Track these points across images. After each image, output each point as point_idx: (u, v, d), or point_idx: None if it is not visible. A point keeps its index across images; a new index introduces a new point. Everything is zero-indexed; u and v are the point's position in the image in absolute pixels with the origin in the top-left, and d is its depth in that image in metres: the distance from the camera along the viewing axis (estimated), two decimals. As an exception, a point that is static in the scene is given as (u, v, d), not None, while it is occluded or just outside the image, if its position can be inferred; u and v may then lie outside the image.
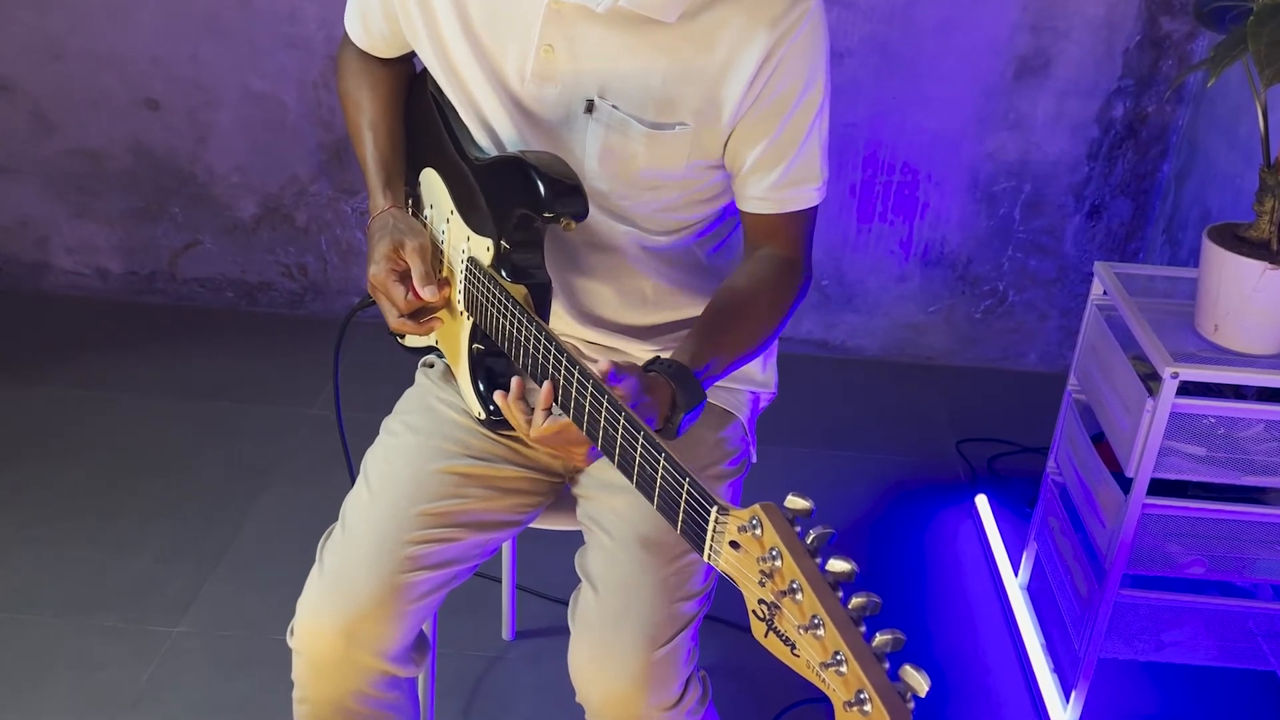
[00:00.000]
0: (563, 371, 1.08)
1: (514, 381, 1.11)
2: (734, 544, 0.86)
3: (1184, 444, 1.62)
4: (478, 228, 1.25)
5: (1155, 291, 1.82)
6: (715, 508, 0.89)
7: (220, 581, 2.03)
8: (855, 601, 0.77)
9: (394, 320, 1.28)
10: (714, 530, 0.89)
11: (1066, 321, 2.80)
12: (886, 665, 0.74)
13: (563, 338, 1.25)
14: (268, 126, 2.69)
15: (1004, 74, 2.54)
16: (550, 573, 2.02)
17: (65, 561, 2.05)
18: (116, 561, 2.06)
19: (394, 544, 1.24)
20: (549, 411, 1.08)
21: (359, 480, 1.32)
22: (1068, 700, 1.82)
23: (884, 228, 2.72)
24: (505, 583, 1.89)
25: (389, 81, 1.41)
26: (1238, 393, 1.65)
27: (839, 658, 0.75)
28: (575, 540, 1.34)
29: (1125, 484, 1.66)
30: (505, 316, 1.19)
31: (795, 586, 0.79)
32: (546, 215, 1.17)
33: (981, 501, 2.33)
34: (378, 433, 1.38)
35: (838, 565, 0.79)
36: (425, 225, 1.36)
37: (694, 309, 1.37)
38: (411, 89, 1.43)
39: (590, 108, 1.22)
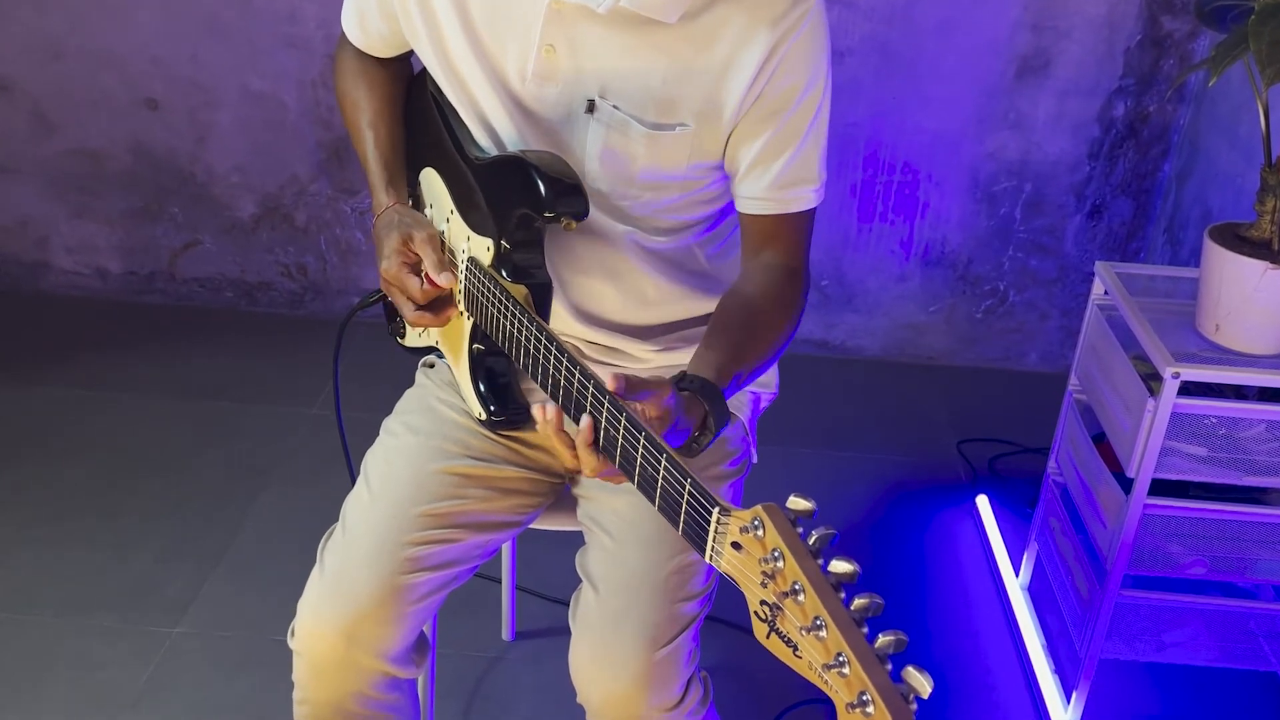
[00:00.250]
0: (563, 372, 1.07)
1: (553, 410, 1.05)
2: (736, 545, 0.86)
3: (1185, 444, 1.62)
4: (478, 227, 1.25)
5: (1156, 291, 1.82)
6: (717, 509, 0.88)
7: (220, 582, 2.03)
8: (858, 603, 0.76)
9: (410, 313, 1.27)
10: (715, 531, 0.89)
11: (1067, 321, 2.79)
12: (889, 666, 0.74)
13: (563, 338, 1.25)
14: (267, 126, 2.69)
15: (1004, 73, 2.53)
16: (550, 573, 2.02)
17: (65, 561, 2.05)
18: (116, 562, 2.06)
19: (394, 545, 1.24)
20: (593, 447, 1.02)
21: (359, 481, 1.32)
22: (1068, 701, 1.82)
23: (884, 227, 2.71)
24: (505, 583, 1.89)
25: (387, 81, 1.41)
26: (1239, 393, 1.65)
27: (841, 659, 0.74)
28: (575, 541, 1.34)
29: (1126, 484, 1.66)
30: (505, 316, 1.18)
31: (797, 588, 0.79)
32: (547, 215, 1.17)
33: (982, 502, 2.33)
34: (378, 433, 1.38)
35: (840, 566, 0.78)
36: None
37: (695, 309, 1.37)
38: (411, 88, 1.42)
39: (591, 108, 1.21)
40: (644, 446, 0.97)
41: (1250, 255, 1.57)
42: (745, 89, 1.19)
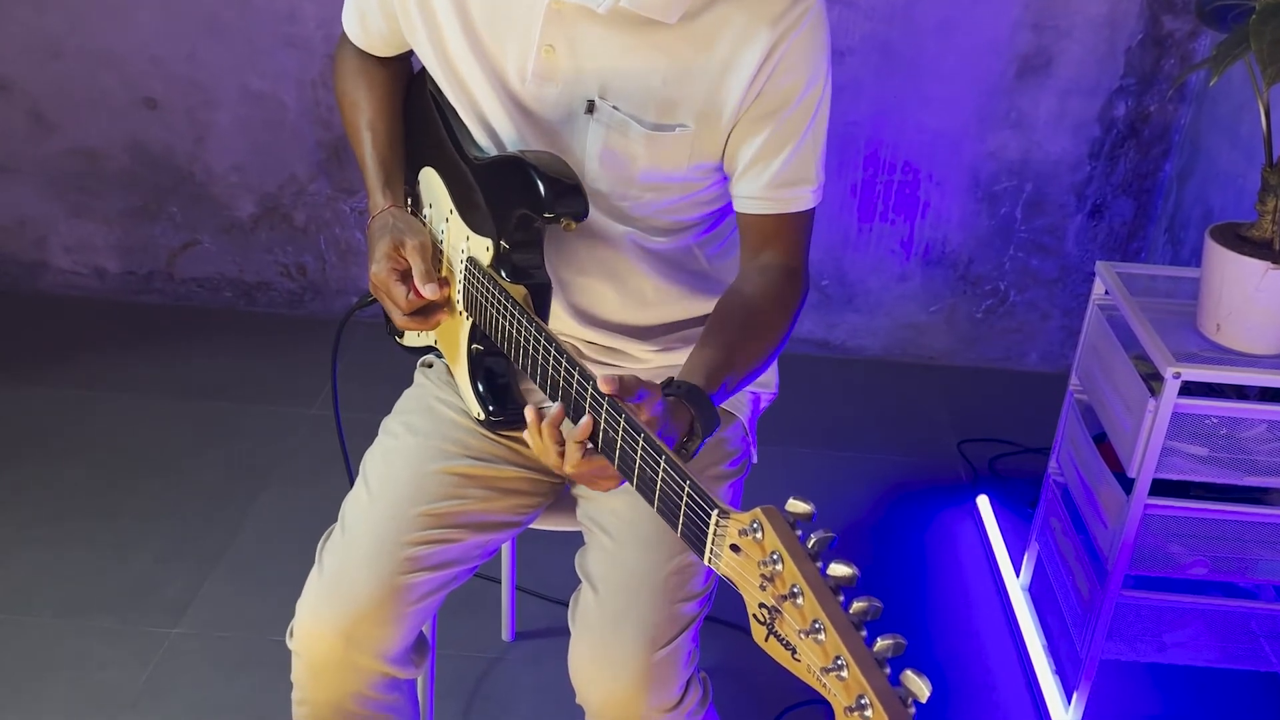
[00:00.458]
0: (562, 372, 1.07)
1: (554, 411, 1.06)
2: (735, 547, 0.86)
3: (1186, 444, 1.62)
4: (477, 227, 1.25)
5: (1157, 291, 1.82)
6: (716, 511, 0.88)
7: (219, 582, 2.03)
8: (856, 606, 0.76)
9: (399, 318, 1.28)
10: (714, 533, 0.88)
11: (1068, 321, 2.79)
12: (888, 670, 0.74)
13: (562, 338, 1.25)
14: (266, 126, 2.68)
15: (1005, 73, 2.53)
16: (550, 573, 2.01)
17: (64, 562, 2.05)
18: (115, 562, 2.06)
19: (393, 545, 1.24)
20: (583, 445, 1.03)
21: (358, 481, 1.32)
22: (1069, 701, 1.82)
23: (885, 227, 2.71)
24: (505, 584, 1.89)
25: (387, 81, 1.40)
26: (1240, 393, 1.65)
27: (840, 662, 0.74)
28: (575, 541, 1.34)
29: (1127, 484, 1.65)
30: (505, 317, 1.18)
31: (796, 590, 0.78)
32: (546, 215, 1.16)
33: (983, 502, 2.33)
34: (376, 433, 1.37)
35: (839, 569, 0.78)
36: (424, 224, 1.36)
37: (694, 309, 1.37)
38: (410, 88, 1.42)
39: (591, 108, 1.21)
40: (643, 448, 0.96)
41: (1251, 255, 1.57)
42: (745, 88, 1.18)
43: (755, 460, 1.46)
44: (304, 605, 1.24)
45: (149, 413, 2.48)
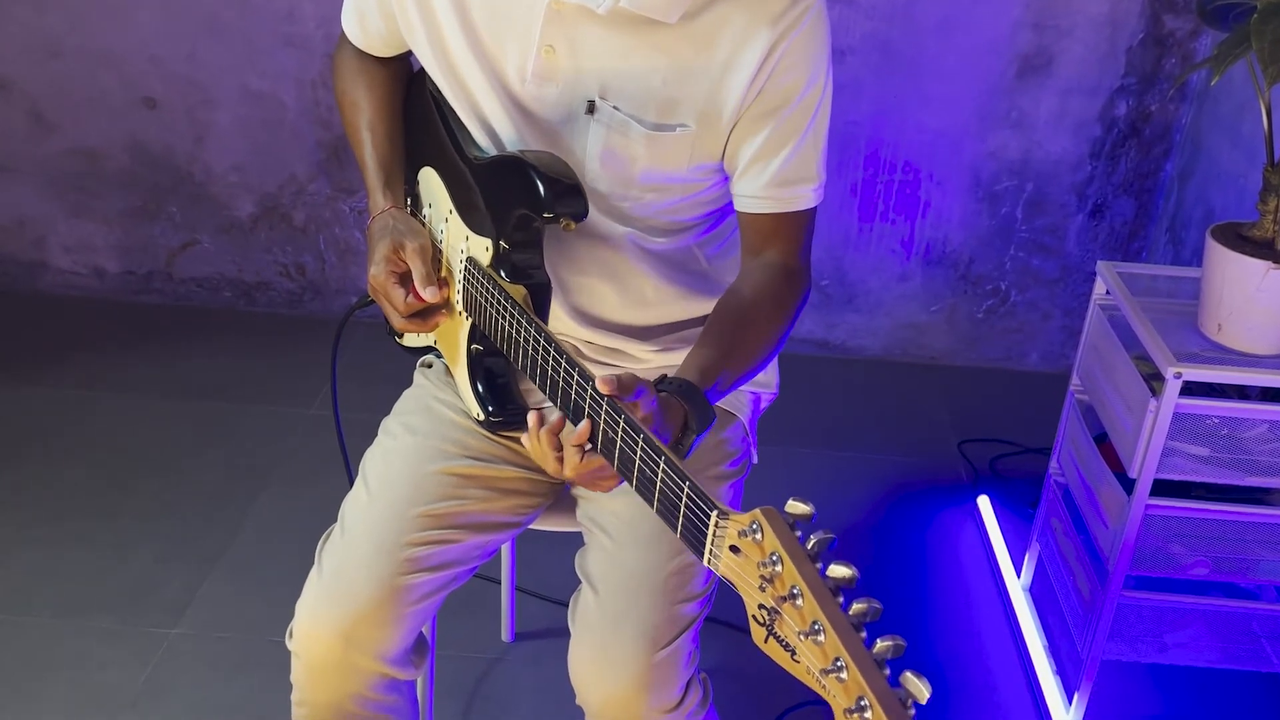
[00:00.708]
0: (561, 373, 1.07)
1: (554, 413, 1.06)
2: (734, 549, 0.85)
3: (1187, 444, 1.61)
4: (477, 228, 1.25)
5: (1158, 291, 1.81)
6: (715, 512, 0.88)
7: (219, 582, 2.02)
8: (856, 607, 0.76)
9: (397, 321, 1.28)
10: (714, 535, 0.88)
11: (1069, 321, 2.79)
12: (887, 672, 0.73)
13: (561, 338, 1.24)
14: (266, 126, 2.68)
15: (1006, 72, 2.53)
16: (550, 574, 2.01)
17: (63, 562, 2.05)
18: (115, 562, 2.06)
19: (393, 546, 1.23)
20: (581, 448, 1.03)
21: (357, 481, 1.31)
22: (1070, 702, 1.81)
23: (885, 227, 2.71)
24: (505, 584, 1.88)
25: (387, 81, 1.40)
26: (1241, 393, 1.64)
27: (839, 664, 0.74)
28: (575, 541, 1.34)
29: (1128, 485, 1.65)
30: (504, 317, 1.18)
31: (796, 592, 0.78)
32: (546, 215, 1.16)
33: (983, 502, 2.33)
34: (376, 433, 1.37)
35: (839, 571, 0.78)
36: (424, 224, 1.36)
37: (694, 310, 1.37)
38: (410, 88, 1.42)
39: (591, 108, 1.21)
40: (643, 449, 0.96)
41: (1253, 255, 1.57)
42: (745, 88, 1.18)
43: (756, 460, 1.46)
44: (303, 606, 1.24)
45: (148, 413, 2.47)
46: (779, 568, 0.80)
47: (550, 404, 1.10)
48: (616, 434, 0.99)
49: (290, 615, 1.25)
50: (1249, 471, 1.62)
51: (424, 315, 1.28)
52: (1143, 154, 2.61)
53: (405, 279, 1.26)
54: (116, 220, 2.81)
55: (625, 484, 1.02)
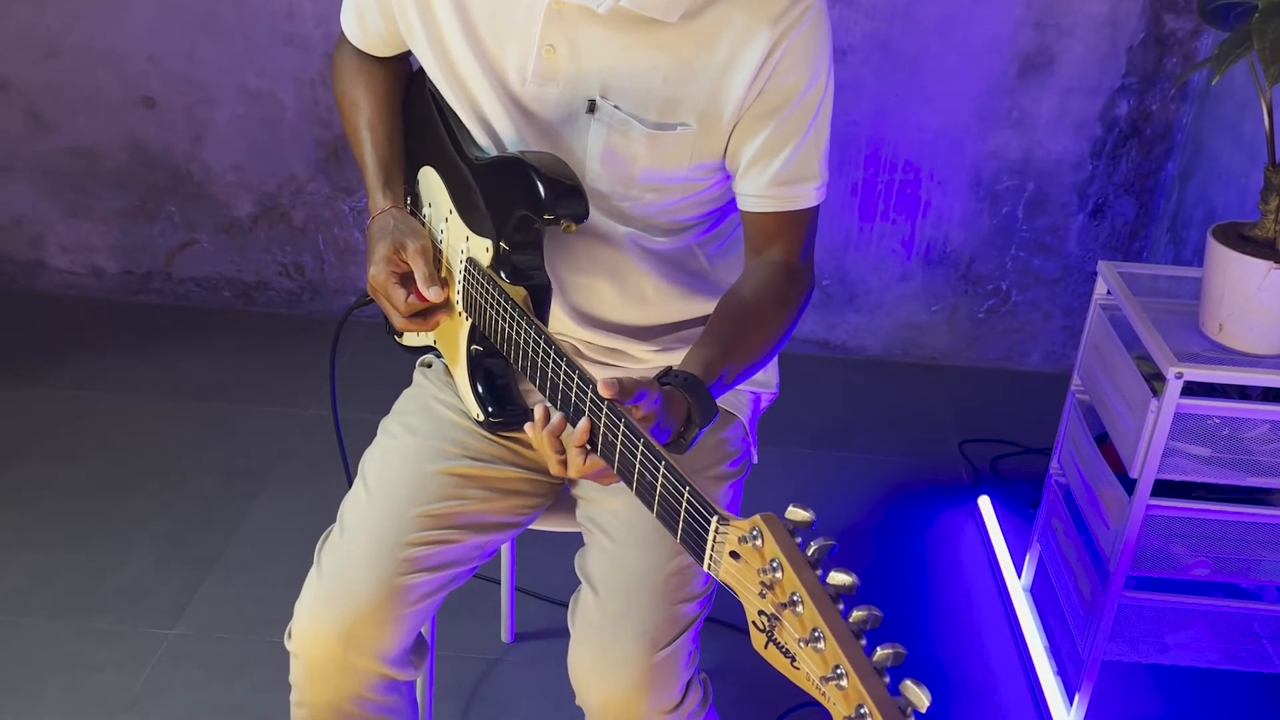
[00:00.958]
0: (561, 375, 1.06)
1: (555, 414, 1.06)
2: (734, 554, 0.85)
3: (1188, 445, 1.61)
4: (477, 228, 1.24)
5: (1159, 291, 1.81)
6: (715, 518, 0.88)
7: (217, 583, 2.02)
8: (856, 615, 0.76)
9: (398, 320, 1.28)
10: (714, 540, 0.88)
11: (1070, 321, 2.78)
12: (887, 679, 0.73)
13: (561, 339, 1.24)
14: (265, 125, 2.68)
15: (1006, 72, 2.52)
16: (550, 575, 2.01)
17: (61, 563, 2.04)
18: (113, 563, 2.05)
19: (392, 546, 1.23)
20: (583, 449, 1.03)
21: (356, 482, 1.31)
22: (1071, 702, 1.81)
23: (886, 227, 2.70)
24: (504, 585, 1.88)
25: (386, 80, 1.40)
26: (1242, 393, 1.64)
27: (839, 671, 0.74)
28: (575, 542, 1.33)
29: (1129, 485, 1.65)
30: (504, 318, 1.17)
31: (796, 599, 0.78)
32: (547, 217, 1.16)
33: (984, 502, 2.32)
34: (375, 433, 1.37)
35: (839, 578, 0.77)
36: (424, 224, 1.35)
37: (695, 310, 1.36)
38: (410, 87, 1.41)
39: (592, 108, 1.20)
40: (642, 453, 0.96)
41: (1254, 255, 1.57)
42: (746, 87, 1.18)
43: (756, 461, 1.46)
44: (302, 606, 1.23)
45: (147, 413, 2.47)
46: (779, 574, 0.80)
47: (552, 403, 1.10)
48: (617, 438, 0.99)
49: (289, 615, 1.24)
50: (1250, 472, 1.62)
51: (425, 315, 1.28)
52: (1144, 153, 2.60)
53: (406, 279, 1.26)
54: (115, 220, 2.80)
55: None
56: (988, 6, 2.46)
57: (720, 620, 1.83)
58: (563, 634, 1.24)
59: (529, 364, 1.13)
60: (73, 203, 2.79)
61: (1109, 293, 1.80)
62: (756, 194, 1.24)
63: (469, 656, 1.90)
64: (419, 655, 1.32)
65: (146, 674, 1.83)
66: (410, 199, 1.39)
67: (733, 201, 1.29)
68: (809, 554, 0.79)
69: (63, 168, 2.74)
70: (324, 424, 2.45)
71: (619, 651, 1.18)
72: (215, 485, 2.26)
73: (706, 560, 0.89)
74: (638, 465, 0.97)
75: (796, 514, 0.82)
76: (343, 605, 1.21)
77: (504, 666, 1.89)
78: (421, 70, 1.36)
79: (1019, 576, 2.12)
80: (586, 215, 1.17)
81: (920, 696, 0.70)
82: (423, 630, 1.32)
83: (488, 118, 1.26)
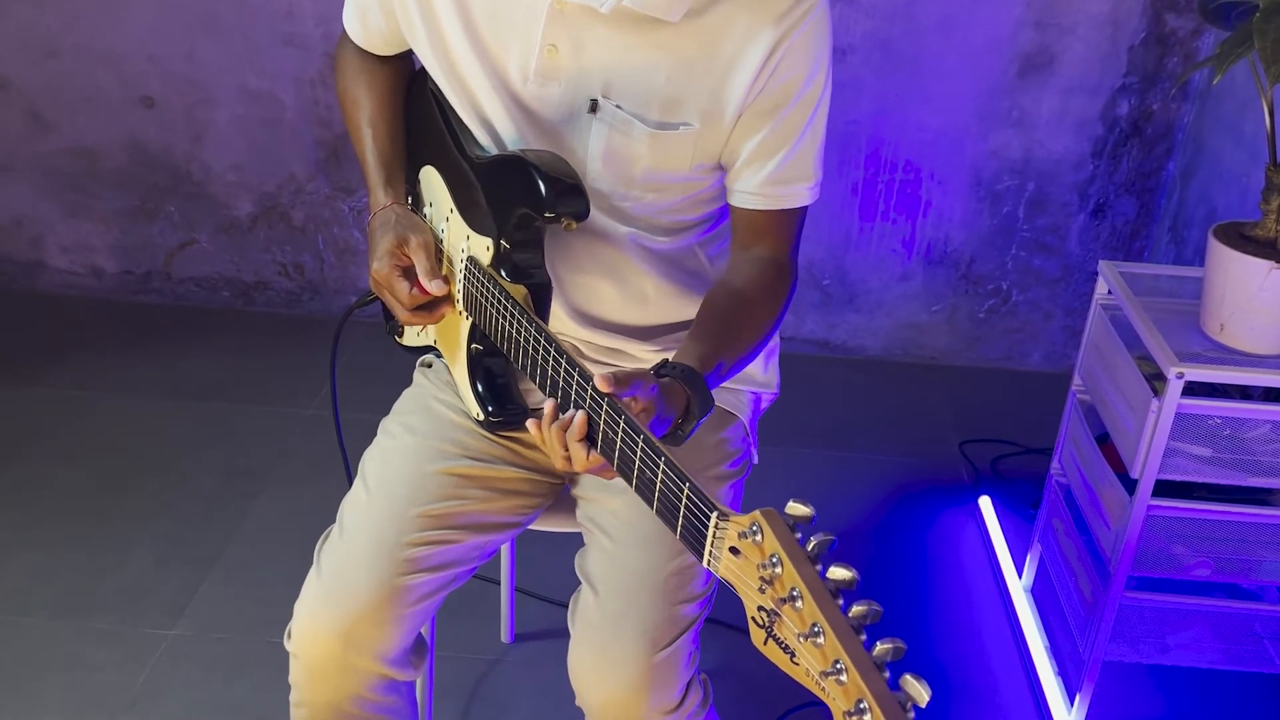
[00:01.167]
0: (562, 373, 1.06)
1: (556, 409, 1.06)
2: (734, 550, 0.85)
3: (1189, 445, 1.61)
4: (478, 227, 1.24)
5: (1160, 291, 1.81)
6: (715, 513, 0.88)
7: (217, 583, 2.02)
8: (856, 610, 0.75)
9: (402, 315, 1.27)
10: (714, 536, 0.88)
11: (1071, 321, 2.78)
12: (887, 674, 0.73)
13: (561, 338, 1.24)
14: (265, 125, 2.67)
15: (1007, 71, 2.52)
16: (550, 575, 2.00)
17: (61, 563, 2.04)
18: (112, 563, 2.05)
19: (392, 546, 1.23)
20: (585, 443, 1.03)
21: (356, 482, 1.31)
22: (1072, 703, 1.81)
23: (886, 226, 2.70)
24: (504, 585, 1.88)
25: (388, 79, 1.40)
26: (1244, 393, 1.64)
27: (839, 666, 0.73)
28: (575, 542, 1.33)
29: (1130, 485, 1.65)
30: (504, 317, 1.17)
31: (795, 594, 0.78)
32: (547, 215, 1.16)
33: (985, 503, 2.32)
34: (375, 433, 1.36)
35: (838, 573, 0.77)
36: (425, 222, 1.35)
37: (694, 310, 1.36)
38: (411, 86, 1.41)
39: (594, 107, 1.20)
40: (642, 450, 0.96)
41: (1255, 254, 1.56)
42: (748, 86, 1.18)
43: (756, 461, 1.45)
44: (302, 606, 1.23)
45: (146, 413, 2.47)
46: (779, 569, 0.79)
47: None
48: (616, 434, 0.99)
49: (289, 616, 1.24)
50: (1251, 472, 1.62)
51: (428, 308, 1.28)
52: (1145, 153, 2.60)
53: (409, 273, 1.25)
54: (114, 220, 2.80)
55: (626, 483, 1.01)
56: (988, 6, 2.46)
57: (720, 620, 1.83)
58: (563, 634, 1.24)
59: (529, 362, 1.13)
60: (72, 203, 2.79)
61: (1110, 292, 1.80)
62: (750, 191, 1.25)
63: (469, 657, 1.89)
64: (419, 655, 1.32)
65: (146, 674, 1.83)
66: (411, 198, 1.39)
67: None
68: (809, 549, 0.79)
69: (63, 168, 2.74)
70: (324, 424, 2.45)
71: (619, 652, 1.18)
72: (215, 485, 2.26)
73: (706, 556, 0.89)
74: (637, 462, 0.97)
75: (796, 509, 0.81)
76: (342, 605, 1.21)
77: (504, 667, 1.89)
78: (423, 70, 1.36)
79: (1020, 577, 2.11)
80: (587, 213, 1.17)
81: (920, 691, 0.70)
82: (422, 630, 1.32)
83: (489, 117, 1.26)
